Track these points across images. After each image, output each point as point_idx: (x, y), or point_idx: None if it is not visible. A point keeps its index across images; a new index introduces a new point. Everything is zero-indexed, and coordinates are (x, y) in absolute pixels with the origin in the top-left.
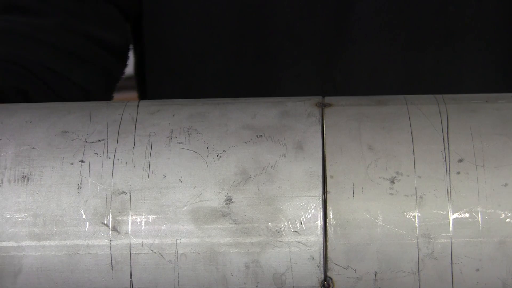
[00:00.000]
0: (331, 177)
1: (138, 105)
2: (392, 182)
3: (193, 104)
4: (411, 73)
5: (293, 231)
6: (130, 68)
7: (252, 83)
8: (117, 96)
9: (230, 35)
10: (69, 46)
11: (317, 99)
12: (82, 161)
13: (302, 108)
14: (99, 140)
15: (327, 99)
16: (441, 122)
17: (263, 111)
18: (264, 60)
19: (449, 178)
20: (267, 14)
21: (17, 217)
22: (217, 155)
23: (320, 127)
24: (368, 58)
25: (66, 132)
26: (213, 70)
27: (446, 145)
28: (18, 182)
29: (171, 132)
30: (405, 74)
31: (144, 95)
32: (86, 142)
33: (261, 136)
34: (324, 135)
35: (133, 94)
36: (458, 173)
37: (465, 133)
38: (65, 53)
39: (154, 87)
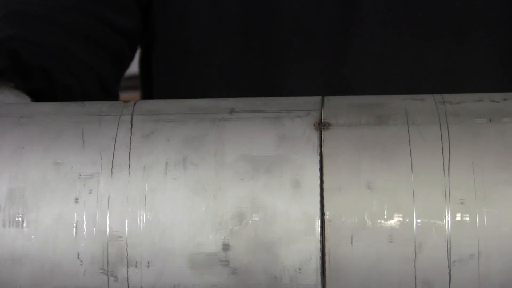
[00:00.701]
0: (329, 220)
1: (132, 122)
2: (392, 227)
3: (189, 121)
4: (418, 68)
5: (291, 278)
6: (132, 68)
7: (259, 77)
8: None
9: (236, 29)
10: (82, 28)
11: (316, 113)
12: (77, 201)
13: (300, 130)
14: (92, 175)
15: (326, 112)
16: (443, 151)
17: (260, 134)
18: (270, 54)
19: (449, 223)
20: (274, 8)
21: (16, 263)
22: (214, 194)
23: (318, 159)
24: (375, 53)
25: (58, 163)
26: (219, 63)
27: (447, 183)
28: (13, 225)
29: (166, 165)
30: (412, 69)
31: (150, 87)
32: (79, 176)
33: (258, 170)
34: (323, 170)
35: (135, 94)
36: (458, 216)
37: (467, 169)
38: (79, 34)
39: (160, 78)
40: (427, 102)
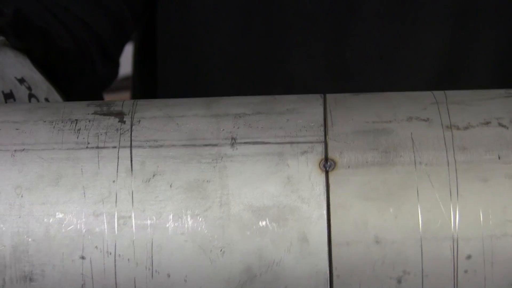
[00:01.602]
0: (338, 276)
1: (131, 161)
2: (399, 281)
3: (190, 161)
4: (422, 50)
5: None
6: (128, 69)
7: (261, 59)
8: (115, 95)
9: (239, 10)
10: None
11: (321, 147)
12: (83, 257)
13: (305, 172)
14: (97, 230)
15: (330, 144)
16: (451, 198)
17: (264, 180)
18: (272, 36)
19: (457, 278)
20: None
21: None
22: (221, 250)
23: (326, 212)
24: (377, 36)
25: (60, 214)
26: (221, 44)
27: (455, 236)
28: (20, 282)
29: (171, 218)
30: (416, 52)
31: (154, 68)
32: (84, 232)
33: (264, 222)
34: (331, 224)
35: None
36: (466, 271)
37: (476, 222)
38: None
39: (163, 58)
40: (433, 125)
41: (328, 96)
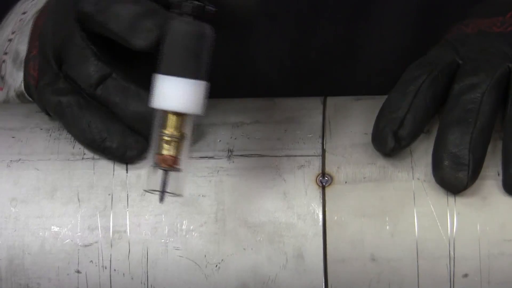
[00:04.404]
0: None
1: (127, 172)
2: None
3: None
4: (387, 49)
5: None
6: None
7: (226, 58)
8: None
9: None
10: None
11: (318, 161)
12: (79, 272)
13: (301, 187)
14: (91, 244)
15: (328, 159)
16: (448, 216)
17: (261, 195)
18: (236, 37)
19: None
20: None
21: None
22: (216, 266)
23: (322, 228)
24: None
25: (56, 228)
26: None
27: (452, 255)
28: None
29: (167, 234)
30: (380, 52)
31: None
32: (79, 246)
33: (260, 238)
34: (326, 241)
35: None
36: None
37: (473, 240)
38: None
39: None
40: (433, 137)
41: (328, 100)
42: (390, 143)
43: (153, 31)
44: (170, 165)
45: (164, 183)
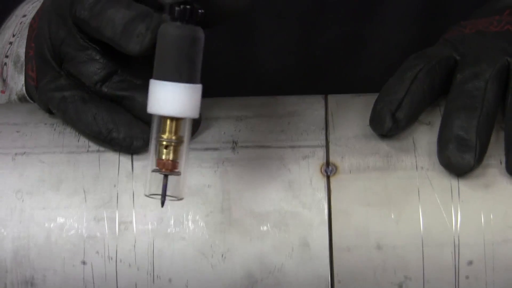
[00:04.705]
0: (339, 281)
1: (132, 164)
2: (400, 287)
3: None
4: (391, 47)
5: None
6: None
7: (230, 56)
8: None
9: None
10: None
11: (322, 151)
12: (84, 263)
13: (306, 176)
14: (98, 235)
15: (332, 149)
16: (452, 203)
17: (265, 185)
18: (241, 35)
19: (458, 283)
20: None
21: None
22: (222, 255)
23: (327, 218)
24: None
25: (61, 219)
26: None
27: (457, 242)
28: (21, 287)
29: (173, 223)
30: (385, 49)
31: None
32: (85, 237)
33: (265, 228)
34: (332, 229)
35: None
36: (467, 277)
37: (477, 228)
38: None
39: None
40: (435, 128)
41: (330, 97)
42: (388, 123)
43: (146, 35)
44: (169, 169)
45: (165, 187)
